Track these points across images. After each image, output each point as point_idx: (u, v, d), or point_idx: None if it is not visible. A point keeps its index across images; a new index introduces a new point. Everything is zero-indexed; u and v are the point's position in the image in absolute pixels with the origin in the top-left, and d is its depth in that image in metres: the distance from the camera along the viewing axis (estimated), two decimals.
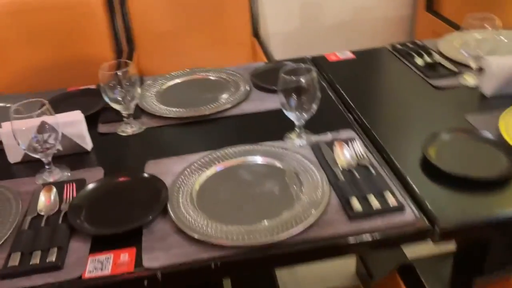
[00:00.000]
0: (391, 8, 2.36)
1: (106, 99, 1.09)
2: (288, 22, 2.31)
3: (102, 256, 0.79)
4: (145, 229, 0.83)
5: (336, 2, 2.29)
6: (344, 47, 2.38)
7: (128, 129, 1.13)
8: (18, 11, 1.84)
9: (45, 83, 1.94)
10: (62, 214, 0.86)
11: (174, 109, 1.19)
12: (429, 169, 0.91)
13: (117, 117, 1.14)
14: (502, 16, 1.21)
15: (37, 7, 1.85)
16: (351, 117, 1.13)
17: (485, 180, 0.87)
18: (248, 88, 1.26)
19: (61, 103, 1.24)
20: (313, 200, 0.85)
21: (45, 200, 0.88)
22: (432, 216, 0.82)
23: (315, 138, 1.04)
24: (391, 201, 0.83)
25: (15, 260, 0.78)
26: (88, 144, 1.06)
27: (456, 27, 2.01)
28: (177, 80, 1.34)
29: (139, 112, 1.19)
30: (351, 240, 0.79)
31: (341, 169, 0.93)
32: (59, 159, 1.03)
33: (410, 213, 0.82)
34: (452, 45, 1.38)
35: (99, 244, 0.81)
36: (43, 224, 0.84)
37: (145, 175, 0.93)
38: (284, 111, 1.01)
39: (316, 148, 1.00)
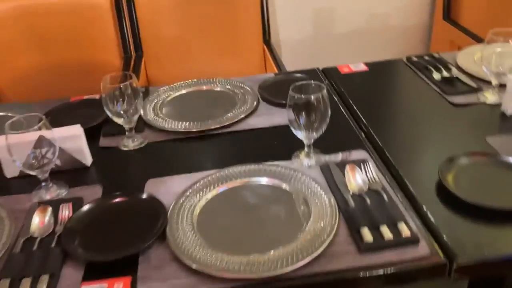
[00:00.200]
0: (407, 16, 2.29)
1: (108, 113, 1.05)
2: (300, 29, 2.25)
3: (95, 285, 0.74)
4: (141, 256, 0.78)
5: (350, 9, 2.23)
6: (357, 56, 2.34)
7: (130, 143, 1.09)
8: (26, 15, 1.82)
9: (52, 88, 1.91)
10: (56, 236, 0.81)
11: (177, 123, 1.14)
12: (446, 196, 0.86)
13: (120, 130, 1.10)
14: None
15: (45, 12, 1.83)
16: (363, 135, 1.08)
17: (508, 211, 0.81)
18: (255, 101, 1.21)
19: (63, 114, 1.21)
20: (321, 228, 0.80)
21: (39, 222, 0.84)
22: (448, 250, 0.76)
23: (325, 158, 0.99)
24: (405, 233, 0.78)
25: (4, 287, 0.74)
26: (87, 159, 1.02)
27: (475, 37, 1.94)
28: (183, 91, 1.30)
29: (142, 124, 1.15)
30: (361, 274, 0.74)
31: (352, 193, 0.88)
32: (58, 175, 0.99)
33: (425, 246, 0.77)
34: (471, 59, 1.31)
35: (93, 271, 0.76)
36: (35, 247, 0.80)
37: (144, 196, 0.88)
38: (293, 129, 0.95)
39: (325, 170, 0.95)
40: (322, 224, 0.81)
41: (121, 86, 1.03)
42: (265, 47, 1.98)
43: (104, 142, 1.11)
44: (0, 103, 1.84)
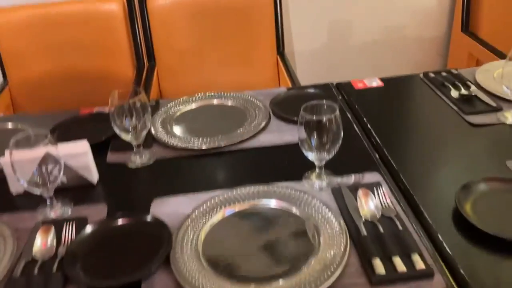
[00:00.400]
0: (424, 28, 2.24)
1: (116, 129, 1.03)
2: (315, 40, 2.22)
3: None
4: (144, 282, 0.75)
5: (366, 20, 2.19)
6: (372, 68, 2.29)
7: (138, 160, 1.07)
8: (40, 24, 1.82)
9: (64, 96, 1.92)
10: (58, 260, 0.79)
11: (186, 140, 1.12)
12: (463, 225, 0.82)
13: (128, 145, 1.08)
14: None
15: (59, 21, 1.83)
16: (377, 155, 1.04)
17: None
18: (266, 117, 1.18)
19: (71, 128, 1.20)
20: (331, 258, 0.76)
21: (41, 244, 0.82)
22: (465, 284, 0.72)
23: (337, 180, 0.95)
24: (419, 265, 0.74)
25: None
26: (94, 176, 1.00)
27: (494, 50, 1.88)
28: (193, 106, 1.28)
29: (151, 140, 1.13)
30: None
31: (364, 220, 0.84)
32: (63, 192, 0.97)
33: (440, 280, 0.73)
34: (491, 76, 1.27)
35: None
36: (36, 271, 0.78)
37: (149, 219, 0.86)
38: (304, 151, 0.92)
39: (337, 193, 0.91)
40: (332, 253, 0.77)
41: (130, 103, 1.01)
42: (279, 58, 1.95)
43: (111, 157, 1.09)
44: (10, 115, 1.84)
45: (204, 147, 1.09)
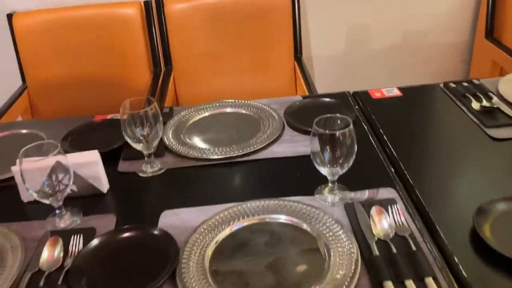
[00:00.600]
0: (446, 34, 2.18)
1: (127, 139, 1.02)
2: (333, 46, 2.18)
3: None
4: None
5: (386, 26, 2.14)
6: (391, 74, 2.25)
7: (149, 169, 1.06)
8: (58, 28, 1.83)
9: (81, 100, 1.93)
10: (64, 272, 0.79)
11: (198, 148, 1.11)
12: (481, 247, 0.78)
13: (140, 154, 1.07)
14: None
15: (75, 25, 1.84)
16: (393, 169, 1.01)
17: None
18: (280, 127, 1.16)
19: (84, 134, 1.20)
20: (341, 278, 0.74)
21: (48, 255, 0.82)
22: None
23: (350, 195, 0.93)
24: None
25: None
26: (104, 186, 1.00)
27: None
28: (205, 114, 1.26)
29: (163, 149, 1.12)
30: None
31: (376, 238, 0.81)
32: (73, 201, 0.97)
33: None
34: None
35: None
36: (42, 283, 0.77)
37: (156, 232, 0.84)
38: (316, 165, 0.90)
39: (350, 209, 0.89)
40: (342, 273, 0.75)
41: (141, 112, 1.00)
42: (296, 63, 1.93)
43: (122, 166, 1.09)
44: (26, 120, 1.86)
45: (215, 157, 1.07)
